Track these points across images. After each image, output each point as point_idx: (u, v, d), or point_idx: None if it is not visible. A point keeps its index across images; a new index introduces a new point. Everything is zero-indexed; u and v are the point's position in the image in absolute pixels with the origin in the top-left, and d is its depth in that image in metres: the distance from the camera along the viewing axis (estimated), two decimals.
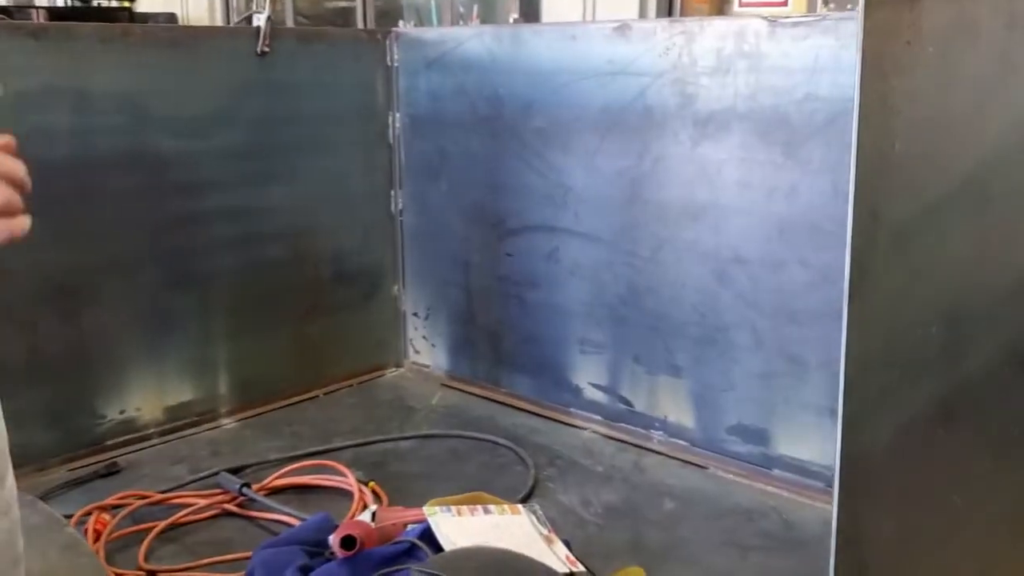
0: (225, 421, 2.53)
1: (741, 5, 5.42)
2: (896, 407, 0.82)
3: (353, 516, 1.89)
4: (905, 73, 0.74)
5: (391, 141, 2.78)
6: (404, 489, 2.10)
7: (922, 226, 0.80)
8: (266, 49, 2.47)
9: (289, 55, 2.53)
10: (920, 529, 0.92)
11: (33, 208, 1.93)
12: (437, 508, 1.73)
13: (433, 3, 7.44)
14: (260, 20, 2.45)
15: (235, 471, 2.17)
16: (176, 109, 2.33)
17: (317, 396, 2.73)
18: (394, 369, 2.93)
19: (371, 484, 2.11)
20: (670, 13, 5.68)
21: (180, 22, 8.45)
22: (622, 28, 2.23)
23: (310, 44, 2.64)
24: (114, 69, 2.21)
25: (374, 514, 1.74)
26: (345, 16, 7.56)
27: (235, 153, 2.46)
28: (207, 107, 2.39)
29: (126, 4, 8.58)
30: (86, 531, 1.85)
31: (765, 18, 2.01)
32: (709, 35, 2.08)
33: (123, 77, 2.22)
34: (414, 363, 2.94)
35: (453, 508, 1.75)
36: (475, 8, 7.20)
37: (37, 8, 7.19)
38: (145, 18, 8.22)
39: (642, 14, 5.72)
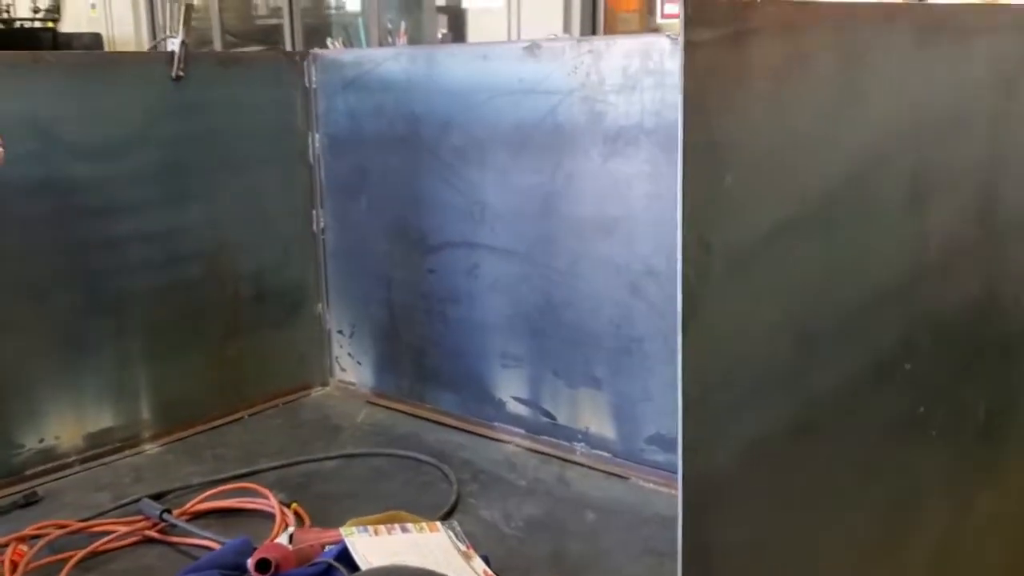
0: (148, 446, 2.51)
1: (663, 16, 5.52)
2: (744, 424, 0.87)
3: (272, 539, 1.89)
4: (734, 110, 0.78)
5: (311, 160, 2.79)
6: (327, 510, 2.11)
7: (763, 253, 0.85)
8: (181, 73, 2.46)
9: (205, 78, 2.53)
10: (776, 540, 0.96)
11: None
12: (354, 528, 1.75)
13: (360, 21, 7.44)
14: (174, 45, 2.45)
15: (157, 497, 2.16)
16: (88, 134, 2.31)
17: (242, 418, 2.72)
18: (320, 388, 2.93)
19: (293, 506, 2.11)
20: (594, 30, 5.78)
21: (105, 42, 8.35)
22: (531, 47, 2.27)
23: (227, 67, 2.64)
24: (24, 96, 2.19)
25: (291, 536, 1.75)
26: (275, 34, 7.53)
27: (149, 176, 2.45)
28: (120, 131, 2.38)
29: (50, 25, 8.46)
30: (2, 562, 1.83)
31: (668, 36, 2.07)
32: (616, 53, 2.14)
33: (34, 103, 2.21)
34: (340, 381, 2.94)
35: (370, 528, 1.76)
36: (403, 25, 7.23)
37: None
38: (69, 39, 8.12)
39: (567, 30, 5.82)
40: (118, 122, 2.38)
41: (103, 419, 2.43)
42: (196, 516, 2.10)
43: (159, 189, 2.48)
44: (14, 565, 1.83)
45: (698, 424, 0.80)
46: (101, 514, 2.09)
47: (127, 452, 2.46)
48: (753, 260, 0.85)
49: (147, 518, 2.05)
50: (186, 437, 2.58)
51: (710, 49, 0.74)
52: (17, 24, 8.41)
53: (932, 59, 1.10)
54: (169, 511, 2.05)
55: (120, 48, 8.00)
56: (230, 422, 2.69)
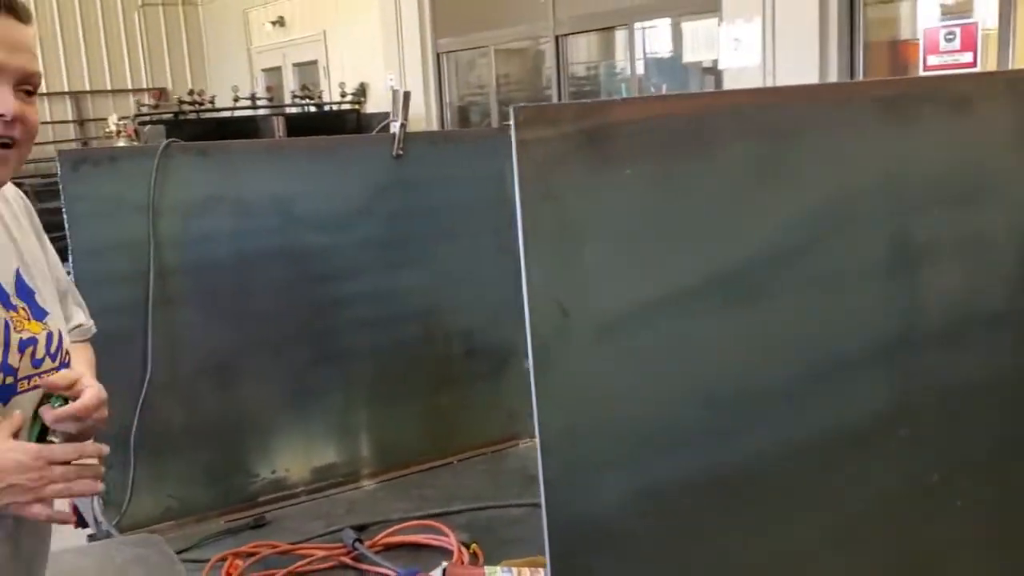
0: (365, 483, 2.82)
1: (925, 69, 5.27)
2: (624, 473, 0.92)
3: (427, 572, 2.08)
4: (588, 196, 0.87)
5: None
6: (504, 552, 2.27)
7: (643, 321, 0.90)
8: (400, 152, 2.79)
9: (423, 155, 2.85)
10: None
11: (199, 298, 2.37)
12: (499, 568, 1.90)
13: (624, 86, 7.74)
14: (395, 127, 2.79)
15: (360, 528, 2.43)
16: (320, 208, 2.69)
17: (452, 463, 2.96)
18: (527, 440, 3.11)
19: (473, 546, 2.30)
20: (852, 75, 5.64)
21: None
22: None
23: (442, 144, 2.95)
24: (267, 177, 2.61)
25: (444, 571, 1.93)
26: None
27: (373, 244, 2.78)
28: (348, 205, 2.74)
29: (355, 107, 9.55)
30: (222, 573, 2.17)
31: None
32: None
33: (274, 183, 2.62)
34: None
35: (515, 569, 1.90)
36: (664, 87, 7.42)
37: (277, 117, 8.20)
38: (370, 119, 9.13)
39: (823, 77, 5.72)
40: (346, 197, 2.74)
41: (328, 456, 2.77)
42: (386, 548, 2.34)
43: (380, 256, 2.81)
44: (229, 575, 2.16)
45: (559, 466, 0.88)
46: (310, 539, 2.39)
47: (347, 487, 2.78)
48: (628, 327, 0.92)
49: (344, 546, 2.32)
50: (399, 477, 2.86)
51: (547, 145, 0.84)
52: (327, 107, 9.58)
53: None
54: (362, 541, 2.31)
55: (413, 127, 8.88)
56: (440, 466, 2.94)
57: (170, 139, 2.40)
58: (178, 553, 2.19)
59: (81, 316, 1.68)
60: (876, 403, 1.10)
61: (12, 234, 1.47)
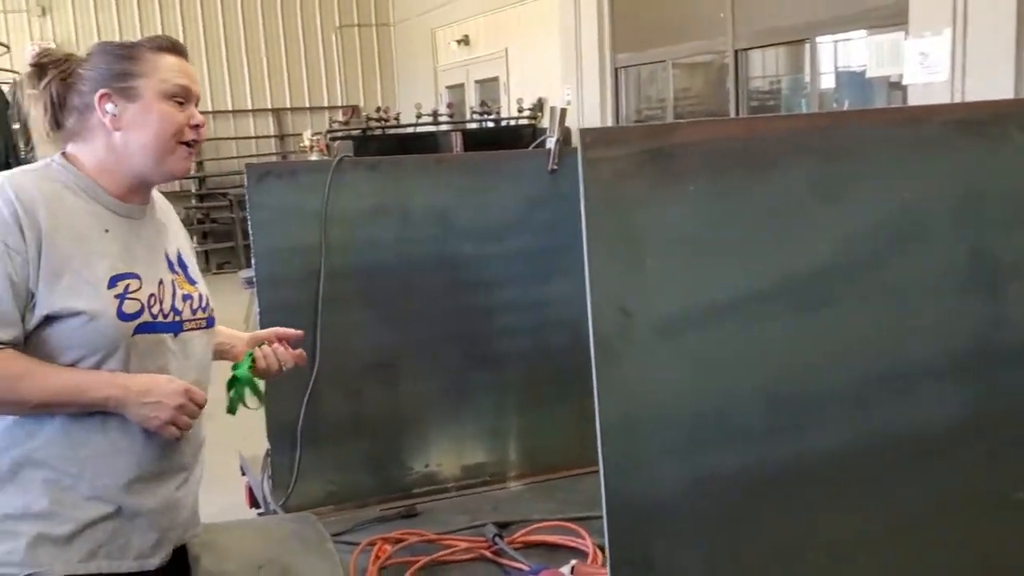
0: (511, 484, 2.94)
1: None
2: (683, 462, 0.97)
3: (556, 569, 2.17)
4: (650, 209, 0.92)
5: None
6: None
7: (703, 323, 0.95)
8: (555, 167, 2.91)
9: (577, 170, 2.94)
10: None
11: (364, 300, 2.60)
12: None
13: (804, 101, 7.56)
14: (551, 143, 2.91)
15: (503, 525, 2.55)
16: (477, 220, 2.84)
17: (597, 471, 3.03)
18: None
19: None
20: None
21: (574, 136, 9.45)
22: None
23: None
24: (429, 190, 2.79)
25: (573, 568, 2.02)
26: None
27: (524, 255, 2.91)
28: (502, 218, 2.88)
29: (532, 122, 9.79)
30: (372, 556, 2.35)
31: None
32: None
33: (436, 196, 2.79)
34: None
35: None
36: (846, 103, 7.20)
37: (456, 132, 8.54)
38: (543, 131, 9.33)
39: (1019, 95, 5.40)
40: (501, 210, 2.88)
41: (477, 455, 2.91)
42: (524, 545, 2.45)
43: (531, 267, 2.93)
44: (377, 558, 2.33)
45: (619, 455, 0.94)
46: (454, 531, 2.53)
47: (493, 486, 2.91)
48: (687, 329, 0.97)
49: (485, 540, 2.45)
50: (544, 480, 2.96)
51: (612, 163, 0.91)
52: (504, 123, 9.87)
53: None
54: (502, 536, 2.43)
55: None
56: (586, 473, 3.01)
57: (342, 155, 2.62)
58: (334, 535, 2.38)
59: None
60: (949, 415, 1.11)
61: (172, 227, 2.02)
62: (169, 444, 1.86)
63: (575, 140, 1.14)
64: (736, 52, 7.99)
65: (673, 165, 0.99)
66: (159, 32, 13.14)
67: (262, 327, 2.39)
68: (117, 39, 1.97)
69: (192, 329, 1.90)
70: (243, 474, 3.13)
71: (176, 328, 1.87)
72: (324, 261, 2.61)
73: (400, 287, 2.76)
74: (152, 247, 1.90)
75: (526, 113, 9.82)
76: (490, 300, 2.89)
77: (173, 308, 1.86)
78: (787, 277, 1.06)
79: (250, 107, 14.53)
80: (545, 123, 9.61)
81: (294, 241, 2.61)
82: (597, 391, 1.01)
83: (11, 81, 1.91)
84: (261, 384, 2.09)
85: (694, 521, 1.07)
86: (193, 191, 13.70)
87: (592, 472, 2.99)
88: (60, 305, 1.72)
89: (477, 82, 12.26)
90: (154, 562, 1.88)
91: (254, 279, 2.61)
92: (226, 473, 3.32)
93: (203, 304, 1.95)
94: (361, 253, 2.71)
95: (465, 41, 12.21)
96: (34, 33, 12.44)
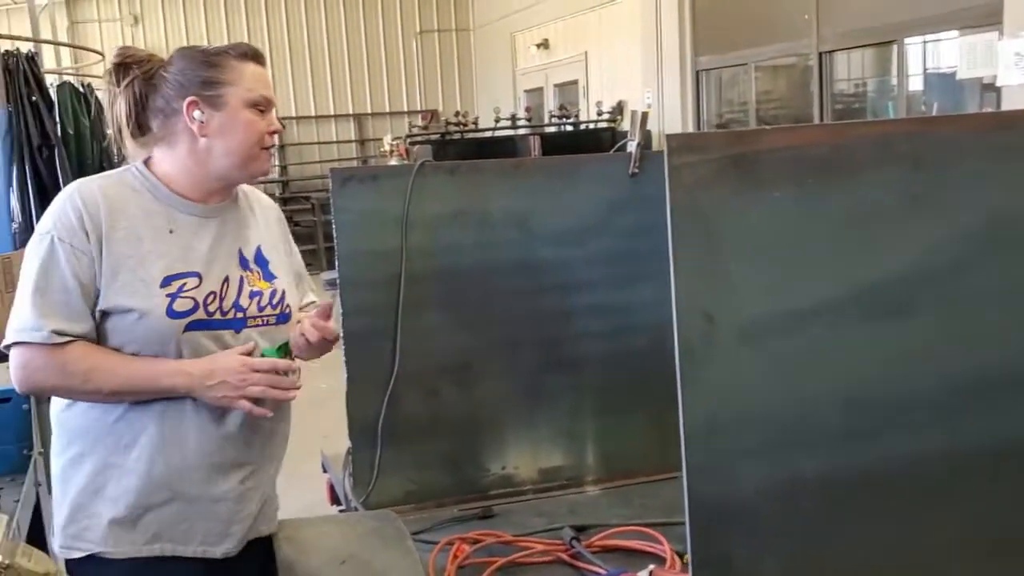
0: (589, 488, 2.93)
1: None
2: (760, 464, 0.95)
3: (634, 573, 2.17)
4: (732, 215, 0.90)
5: None
6: None
7: (785, 329, 0.93)
8: (636, 171, 2.90)
9: (659, 173, 2.93)
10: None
11: (444, 302, 2.65)
12: None
13: (890, 104, 7.38)
14: (632, 147, 2.90)
15: (580, 529, 2.55)
16: (556, 224, 2.85)
17: (676, 477, 3.00)
18: None
19: (685, 557, 2.35)
20: None
21: (655, 138, 9.39)
22: None
23: None
24: (508, 194, 2.80)
25: (650, 572, 2.01)
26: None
27: (603, 259, 2.90)
28: (582, 222, 2.87)
29: (611, 126, 9.76)
30: (450, 555, 2.37)
31: None
32: None
33: (515, 200, 2.80)
34: None
35: None
36: (935, 106, 7.00)
37: (534, 136, 8.57)
38: (625, 137, 9.28)
39: None
40: (581, 214, 2.88)
41: (555, 458, 2.92)
42: (602, 549, 2.44)
43: (612, 271, 2.92)
44: (455, 558, 2.36)
45: (702, 457, 0.94)
46: (531, 533, 2.54)
47: (571, 490, 2.91)
48: (769, 333, 0.95)
49: (562, 543, 2.45)
50: (622, 486, 2.95)
51: (696, 169, 0.91)
52: (583, 126, 9.86)
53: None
54: (579, 540, 2.43)
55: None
56: (665, 479, 2.99)
57: (423, 160, 2.66)
58: (413, 533, 2.41)
59: (312, 296, 2.29)
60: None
61: (260, 224, 2.08)
62: (231, 436, 1.93)
63: (656, 144, 1.14)
64: (821, 54, 7.84)
65: (757, 171, 0.99)
66: (245, 39, 13.52)
67: (345, 329, 2.45)
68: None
69: (257, 325, 1.95)
70: (324, 472, 3.19)
71: (237, 325, 1.92)
72: (405, 264, 2.65)
73: (479, 290, 2.78)
74: (224, 245, 1.97)
75: (605, 117, 9.79)
76: (569, 304, 2.89)
77: (236, 305, 1.92)
78: (870, 284, 1.05)
79: (332, 112, 14.81)
80: (625, 127, 9.57)
81: (376, 244, 2.66)
82: (681, 394, 1.01)
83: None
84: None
85: (774, 524, 1.07)
86: (277, 195, 14.03)
87: (670, 478, 2.98)
88: (114, 302, 1.84)
89: (556, 86, 12.28)
90: (218, 551, 1.97)
91: (336, 281, 2.65)
92: (308, 471, 3.40)
93: (273, 301, 1.99)
94: (441, 257, 2.74)
95: (544, 45, 12.25)
96: (127, 41, 12.90)
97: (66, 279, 1.81)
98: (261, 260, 2.01)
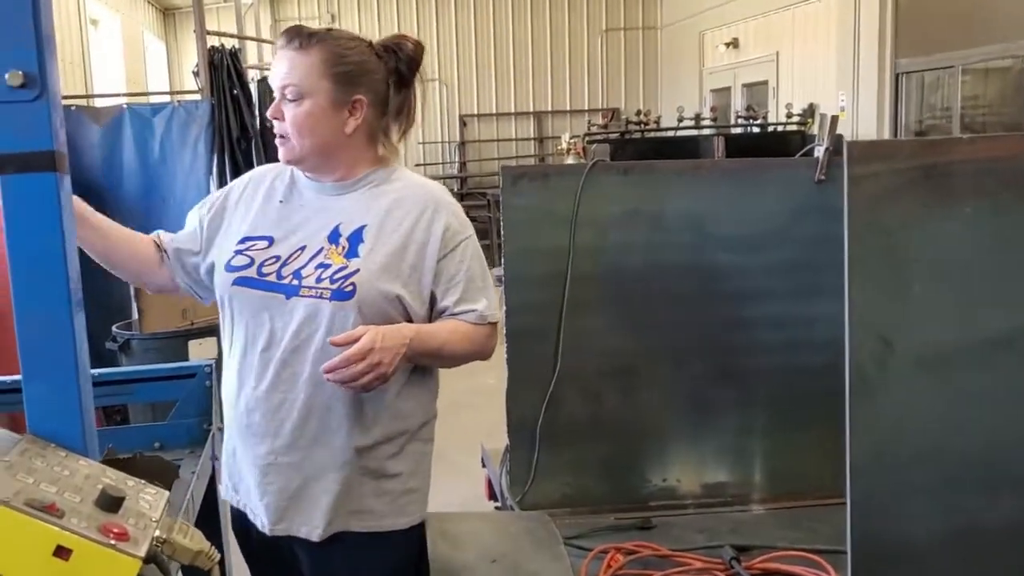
0: (754, 507, 2.79)
1: None
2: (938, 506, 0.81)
3: None
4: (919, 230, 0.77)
5: None
6: None
7: (965, 359, 0.79)
8: (823, 177, 2.73)
9: None
10: None
11: (609, 304, 2.57)
12: None
13: None
14: (819, 151, 2.74)
15: (741, 548, 2.43)
16: (735, 228, 2.72)
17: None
18: None
19: None
20: None
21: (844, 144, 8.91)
22: None
23: None
24: (684, 196, 2.70)
25: None
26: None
27: (785, 268, 2.75)
28: (762, 228, 2.73)
29: (801, 129, 9.36)
30: (603, 564, 2.31)
31: None
32: None
33: (691, 202, 2.70)
34: None
35: None
36: None
37: (718, 137, 8.33)
38: (812, 138, 8.89)
39: None
40: (761, 220, 2.74)
41: (719, 474, 2.79)
42: (763, 572, 2.31)
43: (792, 281, 2.76)
44: (608, 567, 2.29)
45: (868, 492, 0.82)
46: (690, 549, 2.44)
47: (735, 507, 2.78)
48: (954, 363, 0.82)
49: (722, 561, 2.34)
50: (791, 507, 2.79)
51: (880, 180, 0.78)
52: (770, 128, 9.50)
53: None
54: (739, 560, 2.31)
55: None
56: (837, 504, 2.81)
57: (596, 159, 2.60)
58: (567, 538, 2.36)
59: (480, 305, 2.02)
60: None
61: (389, 213, 1.95)
62: (259, 400, 1.91)
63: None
64: None
65: (948, 184, 0.88)
66: (434, 36, 13.90)
67: (508, 327, 2.41)
68: (362, 37, 2.06)
69: (309, 296, 1.87)
70: (484, 467, 3.20)
71: (289, 291, 1.88)
72: (572, 264, 2.60)
73: (647, 294, 2.70)
74: (320, 218, 1.95)
75: (795, 119, 9.40)
76: (742, 313, 2.76)
77: (296, 273, 1.89)
78: None
79: (513, 110, 14.99)
80: (815, 130, 9.15)
81: (543, 243, 2.62)
82: (849, 423, 0.91)
83: None
84: None
85: (947, 571, 0.95)
86: (455, 190, 14.35)
87: (842, 504, 2.80)
88: (213, 256, 2.01)
89: (744, 86, 11.93)
90: (260, 524, 1.98)
91: (502, 278, 2.64)
92: (468, 464, 3.42)
93: (335, 276, 1.87)
94: (609, 257, 2.67)
95: (734, 44, 11.93)
96: None
97: None
98: (355, 239, 1.91)
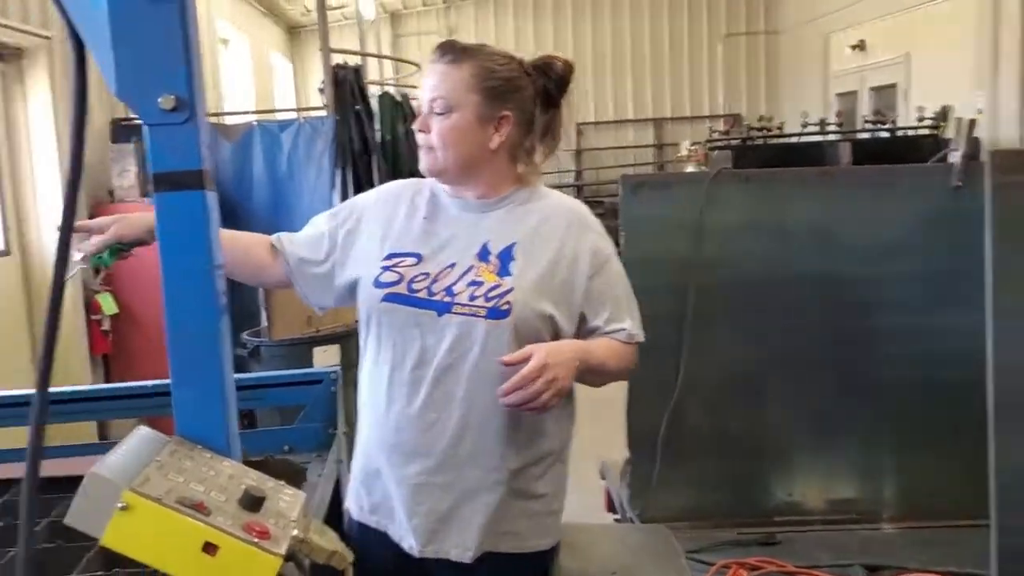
0: (884, 526, 2.70)
1: None
2: None
3: None
4: None
5: None
6: None
7: None
8: (959, 183, 2.62)
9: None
10: None
11: (732, 315, 2.53)
12: None
13: None
14: (955, 157, 2.63)
15: (871, 568, 2.36)
16: (864, 237, 2.64)
17: (986, 524, 2.69)
18: None
19: None
20: None
21: (987, 145, 8.50)
22: None
23: None
24: (809, 204, 2.64)
25: None
26: None
27: (919, 278, 2.65)
28: (894, 236, 2.65)
29: (934, 133, 8.96)
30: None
31: None
32: None
33: (816, 210, 2.64)
34: None
35: None
36: None
37: (844, 142, 8.06)
38: (946, 143, 8.49)
39: None
40: (892, 228, 2.65)
41: (847, 490, 2.71)
42: None
43: (924, 292, 2.67)
44: None
45: (1016, 518, 0.77)
46: (817, 567, 2.38)
47: (863, 525, 2.69)
48: None
49: None
50: (923, 527, 2.68)
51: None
52: (900, 133, 9.13)
53: None
54: None
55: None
56: (973, 526, 2.69)
57: (719, 168, 2.56)
58: (688, 552, 2.34)
59: (627, 324, 1.99)
60: None
61: (537, 232, 1.92)
62: (411, 419, 1.86)
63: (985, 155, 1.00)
64: None
65: None
66: (551, 46, 13.98)
67: None
68: (513, 54, 1.98)
69: (463, 313, 1.83)
70: (603, 479, 3.19)
71: (441, 308, 1.84)
72: (695, 274, 2.58)
73: (770, 304, 2.65)
74: (468, 236, 1.91)
75: (926, 123, 9.00)
76: (871, 325, 2.67)
77: (447, 289, 1.85)
78: None
79: (631, 117, 14.90)
80: (949, 134, 8.75)
81: (664, 252, 2.61)
82: (994, 444, 0.87)
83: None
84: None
85: None
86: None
87: (981, 525, 2.67)
88: (351, 271, 1.97)
89: (872, 89, 11.52)
90: (407, 546, 1.90)
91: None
92: (584, 475, 3.40)
93: (490, 294, 1.84)
94: (732, 267, 2.64)
95: (861, 46, 11.53)
96: None
97: None
98: (505, 256, 1.88)
